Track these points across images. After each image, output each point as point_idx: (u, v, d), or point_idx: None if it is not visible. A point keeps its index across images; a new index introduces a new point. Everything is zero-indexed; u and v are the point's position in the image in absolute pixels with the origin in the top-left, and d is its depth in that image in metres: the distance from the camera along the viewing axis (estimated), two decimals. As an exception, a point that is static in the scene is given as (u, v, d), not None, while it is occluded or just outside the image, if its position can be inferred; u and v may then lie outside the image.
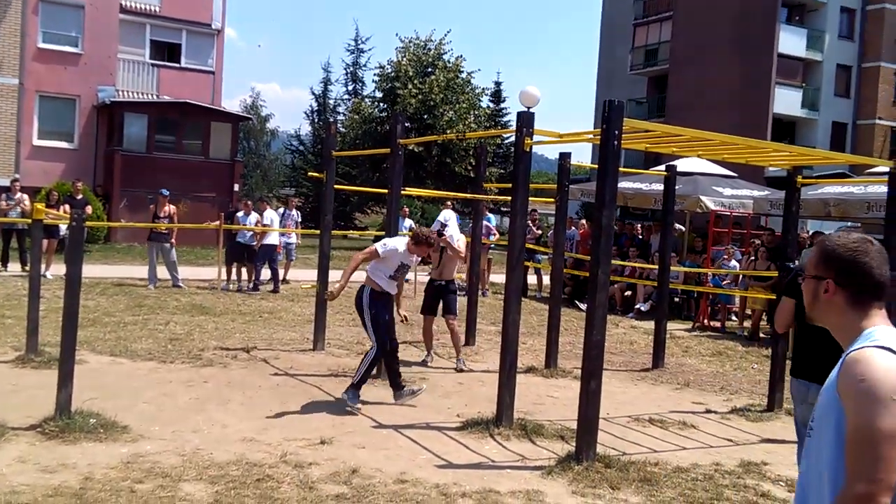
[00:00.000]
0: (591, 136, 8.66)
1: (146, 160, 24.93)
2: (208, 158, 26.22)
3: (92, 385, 7.16)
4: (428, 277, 10.18)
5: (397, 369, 7.59)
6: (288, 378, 8.38)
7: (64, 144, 25.67)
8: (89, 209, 16.84)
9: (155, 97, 26.76)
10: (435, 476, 5.56)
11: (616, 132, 6.16)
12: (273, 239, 15.60)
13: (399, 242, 7.54)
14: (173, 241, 15.39)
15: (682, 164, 13.89)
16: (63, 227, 15.35)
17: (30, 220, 12.21)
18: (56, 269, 15.02)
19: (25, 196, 16.11)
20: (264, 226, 15.49)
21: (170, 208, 15.35)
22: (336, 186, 10.65)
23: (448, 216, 9.66)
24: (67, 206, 15.42)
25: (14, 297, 12.02)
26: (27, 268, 14.99)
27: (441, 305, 9.64)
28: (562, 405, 7.89)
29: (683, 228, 16.44)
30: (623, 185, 15.66)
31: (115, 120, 25.45)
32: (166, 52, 27.70)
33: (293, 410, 7.04)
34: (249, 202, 16.55)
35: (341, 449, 6.06)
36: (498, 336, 11.32)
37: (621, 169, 7.60)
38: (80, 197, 17.15)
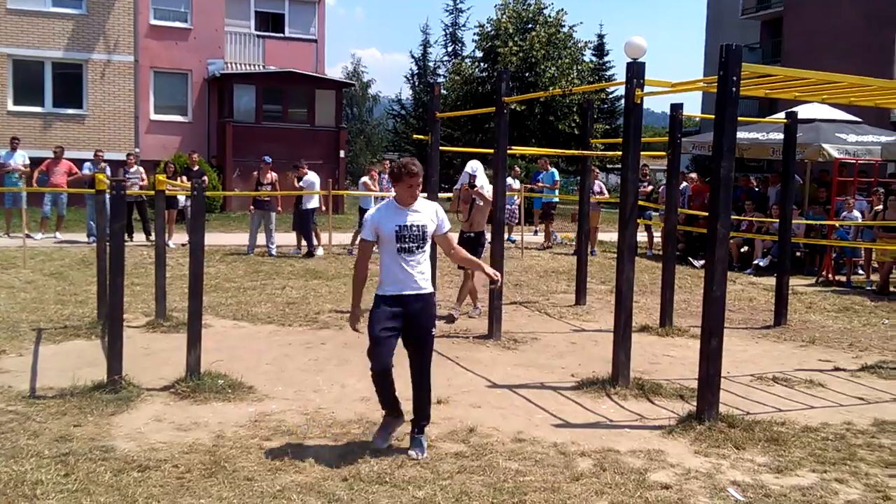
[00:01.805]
0: (705, 83, 8.31)
1: (255, 130, 25.63)
2: (314, 126, 26.73)
3: (217, 347, 7.49)
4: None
5: (388, 400, 5.25)
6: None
7: (178, 118, 26.72)
8: (206, 179, 17.49)
9: (261, 68, 27.40)
10: (552, 435, 5.54)
11: (734, 78, 5.87)
12: (314, 203, 15.74)
13: (376, 206, 5.37)
14: (279, 208, 15.82)
15: (801, 111, 13.19)
16: (182, 198, 16.05)
17: (152, 192, 12.79)
18: (176, 238, 15.73)
19: (142, 169, 16.89)
20: (301, 188, 15.58)
21: (272, 175, 15.72)
22: (440, 148, 10.63)
23: (476, 167, 9.38)
24: (185, 178, 16.07)
25: (141, 266, 12.64)
26: (151, 237, 15.78)
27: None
28: (679, 364, 7.71)
29: (801, 180, 15.65)
30: (737, 134, 15.02)
31: (225, 92, 26.26)
32: (270, 22, 28.27)
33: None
34: (374, 170, 17.06)
35: (457, 408, 6.11)
36: (609, 295, 11.18)
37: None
38: (196, 168, 17.82)
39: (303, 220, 15.51)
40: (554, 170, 19.25)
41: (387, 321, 5.07)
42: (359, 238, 5.28)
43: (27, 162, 17.27)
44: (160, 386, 6.31)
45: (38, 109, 24.08)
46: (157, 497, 4.30)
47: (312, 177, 15.91)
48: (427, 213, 5.19)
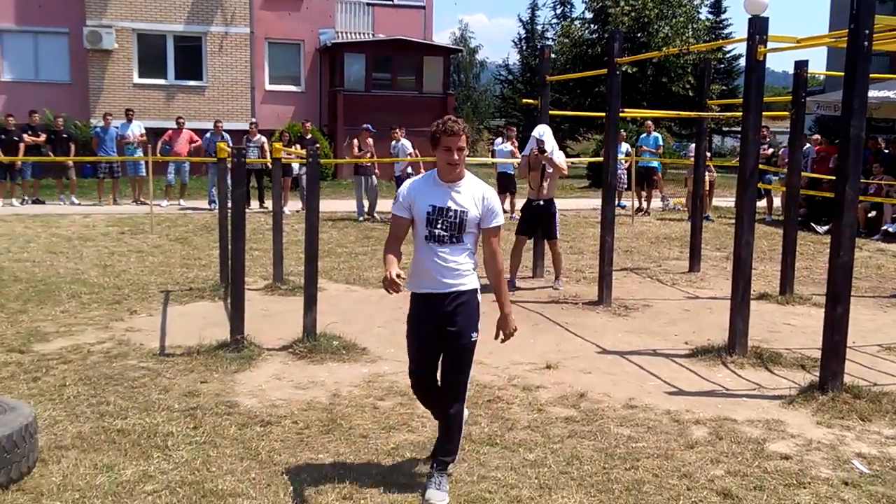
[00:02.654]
0: (832, 39, 7.85)
1: (365, 98, 25.95)
2: (422, 93, 26.84)
3: (332, 311, 7.70)
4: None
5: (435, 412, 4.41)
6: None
7: (292, 88, 27.35)
8: (319, 147, 17.90)
9: (370, 36, 27.67)
10: (665, 402, 5.45)
11: (866, 31, 5.53)
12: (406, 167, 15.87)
13: (410, 180, 4.26)
14: (377, 172, 16.07)
15: (939, 66, 12.29)
16: (296, 166, 16.51)
17: (269, 161, 13.17)
18: (291, 205, 16.21)
19: (264, 138, 17.44)
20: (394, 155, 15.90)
21: (370, 142, 15.98)
22: (549, 112, 10.48)
23: (543, 131, 8.88)
24: (298, 146, 16.50)
25: (258, 232, 13.11)
26: (265, 205, 16.34)
27: (541, 229, 9.28)
28: (800, 333, 7.41)
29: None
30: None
31: (336, 61, 26.68)
32: (379, -10, 28.48)
33: (517, 335, 7.11)
34: (513, 128, 17.23)
35: (567, 373, 6.09)
36: (724, 262, 10.83)
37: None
38: (309, 136, 18.28)
39: (397, 186, 15.75)
40: (657, 134, 18.63)
41: (424, 332, 4.15)
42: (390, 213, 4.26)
43: (143, 132, 18.12)
44: (279, 346, 6.56)
45: (161, 82, 25.17)
46: (278, 451, 4.50)
47: (405, 142, 16.11)
48: (472, 196, 4.01)
